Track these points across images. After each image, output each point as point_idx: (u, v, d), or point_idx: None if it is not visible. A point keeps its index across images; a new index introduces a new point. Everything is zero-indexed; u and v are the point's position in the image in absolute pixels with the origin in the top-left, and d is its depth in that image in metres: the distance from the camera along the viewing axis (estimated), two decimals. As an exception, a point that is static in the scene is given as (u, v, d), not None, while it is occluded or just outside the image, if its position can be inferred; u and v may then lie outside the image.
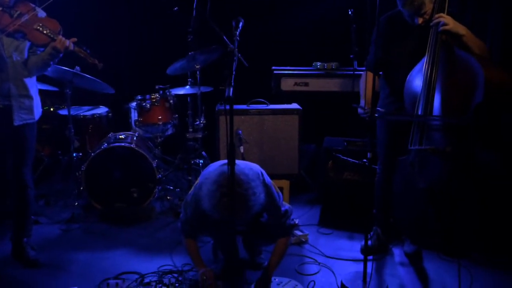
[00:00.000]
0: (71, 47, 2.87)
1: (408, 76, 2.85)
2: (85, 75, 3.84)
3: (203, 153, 4.45)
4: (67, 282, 2.90)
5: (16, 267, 3.09)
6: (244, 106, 4.30)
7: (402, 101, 2.89)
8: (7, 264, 3.12)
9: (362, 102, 3.09)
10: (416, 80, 2.78)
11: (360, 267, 2.89)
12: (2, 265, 3.10)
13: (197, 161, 4.36)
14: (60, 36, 2.83)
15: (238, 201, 2.42)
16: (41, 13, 2.92)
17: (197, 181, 2.78)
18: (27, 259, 3.10)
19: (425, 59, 2.72)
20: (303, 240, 3.46)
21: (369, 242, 3.25)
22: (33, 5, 2.92)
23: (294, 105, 4.31)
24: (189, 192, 2.86)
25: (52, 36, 2.81)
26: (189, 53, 4.05)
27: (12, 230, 3.18)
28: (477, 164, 2.64)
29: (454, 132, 2.67)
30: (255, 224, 2.85)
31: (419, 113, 2.72)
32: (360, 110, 3.04)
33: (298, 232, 3.50)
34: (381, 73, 3.22)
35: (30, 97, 2.99)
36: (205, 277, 2.67)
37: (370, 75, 3.16)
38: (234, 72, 2.33)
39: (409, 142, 2.75)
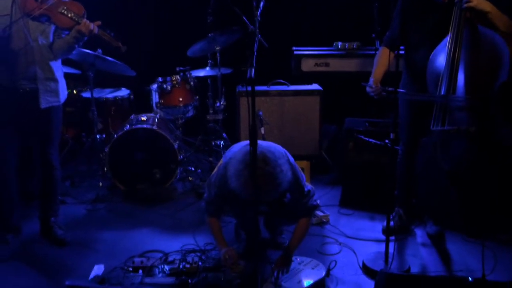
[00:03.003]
0: (96, 30, 2.89)
1: (431, 55, 2.79)
2: (107, 57, 3.87)
3: (224, 134, 4.48)
4: (94, 259, 2.98)
5: (44, 245, 3.19)
6: (264, 87, 4.30)
7: (424, 81, 2.85)
8: (36, 242, 3.22)
9: (371, 81, 3.06)
10: (439, 59, 2.73)
11: (381, 247, 2.90)
12: (32, 244, 3.20)
13: (217, 142, 4.39)
14: (85, 20, 2.85)
15: (267, 179, 2.46)
16: None
17: (221, 162, 2.81)
18: (55, 238, 3.20)
19: (448, 38, 2.67)
20: (324, 220, 3.48)
21: (391, 223, 3.24)
22: None
23: (315, 86, 4.29)
24: (212, 173, 2.89)
25: (76, 19, 2.84)
26: (209, 35, 4.05)
27: (39, 210, 3.27)
28: (501, 143, 2.60)
29: (478, 112, 2.62)
30: (278, 204, 2.88)
31: (442, 93, 2.67)
32: (368, 89, 3.01)
33: (319, 213, 3.52)
34: (402, 52, 3.16)
35: (56, 80, 3.04)
36: (227, 256, 2.72)
37: (385, 52, 3.12)
38: (255, 53, 2.32)
39: (432, 123, 2.72)
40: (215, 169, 2.86)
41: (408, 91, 3.01)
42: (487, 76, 2.61)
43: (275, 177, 2.49)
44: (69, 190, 4.04)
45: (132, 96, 4.52)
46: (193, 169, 4.31)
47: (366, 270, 2.86)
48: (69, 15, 2.82)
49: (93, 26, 2.87)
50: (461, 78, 2.65)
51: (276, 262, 2.77)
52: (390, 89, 2.86)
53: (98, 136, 4.14)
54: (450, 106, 2.66)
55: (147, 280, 2.64)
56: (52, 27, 2.96)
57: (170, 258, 2.93)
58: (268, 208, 3.01)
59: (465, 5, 2.57)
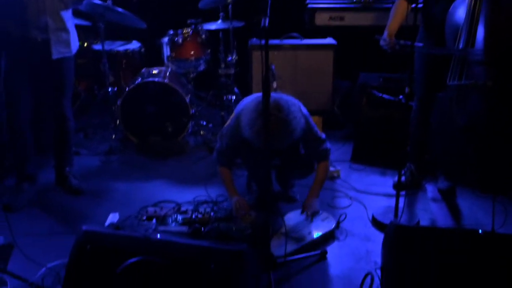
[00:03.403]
0: None
1: (451, 7, 2.71)
2: (117, 9, 3.81)
3: (235, 89, 4.44)
4: (108, 208, 3.05)
5: (60, 194, 3.26)
6: (277, 41, 4.22)
7: (442, 35, 2.77)
8: (52, 191, 3.29)
9: (385, 34, 2.99)
10: (459, 12, 2.65)
11: (391, 202, 2.92)
12: (47, 192, 3.28)
13: (229, 97, 4.37)
14: None
15: (280, 126, 2.49)
16: None
17: (233, 115, 2.81)
18: (70, 187, 3.27)
19: (469, -11, 2.57)
20: (335, 175, 3.50)
21: (402, 178, 3.25)
22: None
23: (329, 40, 4.20)
24: (224, 125, 2.90)
25: None
26: (222, -14, 3.95)
27: (54, 160, 3.33)
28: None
29: (497, 66, 2.56)
30: (291, 155, 2.89)
31: (460, 46, 2.61)
32: (381, 42, 2.95)
33: (330, 168, 3.52)
34: (420, 6, 3.06)
35: (67, 31, 3.01)
36: (238, 205, 2.77)
37: (402, 4, 3.03)
38: (269, 2, 2.27)
39: (448, 78, 2.66)
40: (228, 122, 2.86)
41: (425, 45, 2.94)
42: (508, 30, 2.54)
43: (288, 124, 2.52)
44: (82, 142, 4.09)
45: (143, 49, 4.48)
46: (204, 123, 4.32)
47: (376, 223, 2.90)
48: None
49: None
50: (480, 31, 2.57)
51: (304, 206, 2.83)
52: (403, 42, 2.80)
53: (110, 89, 4.13)
54: (468, 60, 2.60)
55: (161, 228, 2.70)
56: None
57: (183, 208, 2.99)
58: (280, 161, 3.03)
59: (489, -47, 2.46)
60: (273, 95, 2.46)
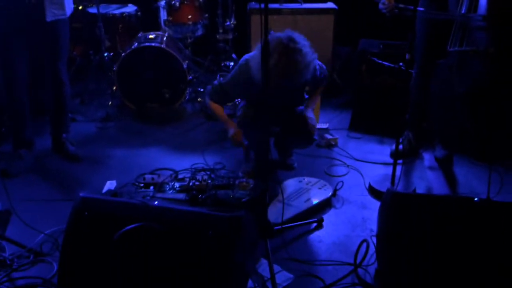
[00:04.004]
0: None
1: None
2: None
3: (233, 55, 4.37)
4: (105, 175, 3.06)
5: (57, 160, 3.26)
6: (276, 5, 4.12)
7: (444, 0, 2.70)
8: (49, 157, 3.29)
9: None
10: (462, -25, 2.58)
11: (388, 170, 2.92)
12: (44, 158, 3.27)
13: (227, 63, 4.30)
14: None
15: (297, 56, 2.50)
16: None
17: (236, 67, 2.83)
18: (67, 153, 3.26)
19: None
20: (333, 143, 3.49)
21: (400, 147, 3.24)
22: None
23: (330, 4, 4.10)
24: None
25: None
26: None
27: (51, 126, 3.30)
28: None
29: (498, 32, 2.52)
30: (292, 120, 2.90)
31: (463, 10, 2.56)
32: (380, 5, 2.89)
33: (328, 136, 3.52)
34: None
35: None
36: (236, 137, 2.85)
37: None
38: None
39: (449, 44, 2.62)
40: (229, 73, 2.89)
41: (427, 10, 2.87)
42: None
43: (304, 55, 2.53)
44: (79, 108, 4.06)
45: (139, 13, 4.39)
46: (202, 90, 4.27)
47: (372, 191, 2.91)
48: None
49: None
50: (483, -4, 2.52)
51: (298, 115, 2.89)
52: (402, 6, 2.74)
53: (106, 54, 4.07)
54: (470, 26, 2.55)
55: (158, 195, 2.71)
56: None
57: (180, 176, 2.98)
58: (280, 128, 3.01)
59: None
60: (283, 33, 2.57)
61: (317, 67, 2.85)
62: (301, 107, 3.00)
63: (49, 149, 3.34)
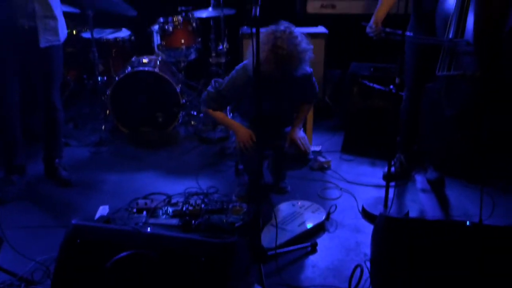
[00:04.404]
0: None
1: (442, -4, 2.70)
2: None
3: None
4: (98, 200, 3.04)
5: (50, 185, 3.24)
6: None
7: (432, 24, 2.76)
8: (41, 183, 3.27)
9: (372, 20, 2.98)
10: (449, 1, 2.65)
11: (381, 192, 2.94)
12: (37, 184, 3.26)
13: (220, 86, 4.34)
14: None
15: (295, 40, 2.58)
16: None
17: (233, 71, 2.86)
18: (59, 179, 3.25)
19: (459, -23, 2.57)
20: (326, 166, 3.50)
21: (392, 169, 3.26)
22: None
23: (320, 29, 4.17)
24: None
25: None
26: (212, -27, 3.90)
27: (43, 151, 3.29)
28: (507, 89, 2.58)
29: (485, 56, 2.57)
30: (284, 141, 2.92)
31: (450, 36, 2.61)
32: (368, 29, 2.94)
33: (320, 159, 3.54)
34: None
35: (54, 18, 2.95)
36: (245, 139, 2.75)
37: None
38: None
39: (437, 68, 2.67)
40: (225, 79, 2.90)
41: (416, 35, 2.93)
42: (497, 19, 2.55)
43: (300, 41, 2.59)
44: (72, 132, 4.05)
45: (133, 37, 4.43)
46: (195, 113, 4.30)
47: (366, 214, 2.92)
48: None
49: None
50: (470, 21, 2.58)
51: (290, 138, 2.87)
52: (389, 30, 2.79)
53: (99, 78, 4.09)
54: (457, 50, 2.61)
55: (151, 221, 2.70)
56: None
57: (174, 201, 2.98)
58: (274, 150, 3.03)
59: None
60: None
61: (313, 78, 2.92)
62: (289, 128, 3.00)
63: (42, 174, 3.33)
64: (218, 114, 2.89)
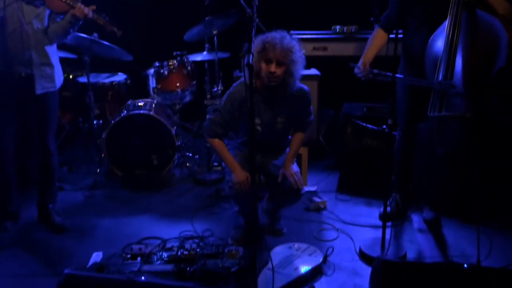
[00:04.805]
0: (90, 15, 2.85)
1: (430, 39, 2.78)
2: (103, 42, 3.83)
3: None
4: (92, 246, 3.00)
5: (43, 232, 3.20)
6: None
7: (422, 66, 2.83)
8: (35, 229, 3.23)
9: (360, 62, 3.03)
10: (438, 43, 2.72)
11: (378, 233, 2.92)
12: (30, 230, 3.22)
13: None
14: (79, 4, 2.81)
15: (289, 41, 2.74)
16: None
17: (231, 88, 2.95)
18: (53, 224, 3.21)
19: (447, 22, 2.64)
20: (322, 206, 3.49)
21: (388, 209, 3.26)
22: None
23: (313, 71, 4.25)
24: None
25: (71, 3, 2.79)
26: (206, 18, 4.00)
27: (37, 196, 3.27)
28: (497, 128, 2.61)
29: (475, 98, 2.62)
30: (274, 178, 2.94)
31: (440, 78, 2.66)
32: (356, 70, 3.00)
33: (316, 199, 3.53)
34: (400, 36, 3.12)
35: (51, 65, 3.01)
36: (240, 181, 2.78)
37: (380, 33, 3.09)
38: (253, 39, 2.32)
39: (429, 109, 2.71)
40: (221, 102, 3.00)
41: (406, 76, 2.99)
42: (485, 61, 2.61)
43: (288, 38, 2.75)
44: (66, 176, 4.04)
45: (129, 81, 4.49)
46: (190, 155, 4.31)
47: (363, 256, 2.89)
48: None
49: (88, 11, 2.84)
50: (459, 63, 2.64)
51: (282, 176, 2.89)
52: (377, 71, 2.85)
53: (95, 122, 4.12)
54: (447, 92, 2.65)
55: (146, 267, 2.65)
56: (47, 11, 2.92)
57: (168, 245, 2.94)
58: (268, 187, 3.04)
59: (465, -11, 2.53)
60: None
61: (311, 105, 3.00)
62: (283, 156, 3.03)
63: (35, 219, 3.29)
64: (220, 146, 2.91)
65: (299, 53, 2.78)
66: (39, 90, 2.96)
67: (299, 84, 2.92)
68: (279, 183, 2.92)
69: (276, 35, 2.75)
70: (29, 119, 3.10)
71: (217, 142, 2.92)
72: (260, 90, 2.85)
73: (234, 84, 2.96)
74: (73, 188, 3.86)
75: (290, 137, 3.10)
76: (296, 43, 2.79)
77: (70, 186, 3.89)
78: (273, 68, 2.71)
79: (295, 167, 2.96)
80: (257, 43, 2.73)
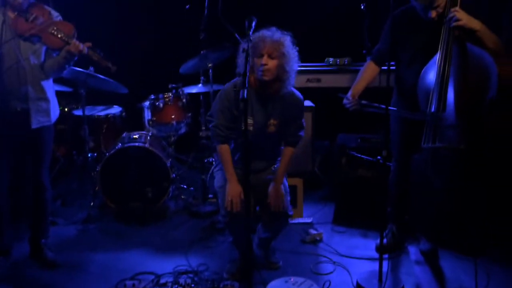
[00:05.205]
0: (85, 51, 2.87)
1: (422, 71, 2.81)
2: (99, 75, 3.86)
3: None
4: (84, 282, 2.95)
5: (34, 268, 3.14)
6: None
7: (415, 98, 2.86)
8: (26, 265, 3.17)
9: (349, 93, 3.06)
10: (429, 76, 2.75)
11: (375, 265, 2.88)
12: (21, 266, 3.15)
13: (210, 159, 4.37)
14: (74, 40, 2.84)
15: (273, 30, 2.78)
16: (56, 16, 2.94)
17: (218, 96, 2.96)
18: (45, 260, 3.15)
19: (438, 55, 2.69)
20: (318, 239, 3.46)
21: (384, 241, 3.22)
22: (48, 8, 2.94)
23: (307, 102, 4.28)
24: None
25: (66, 40, 2.82)
26: (201, 52, 4.05)
27: (30, 231, 3.22)
28: (492, 160, 2.62)
29: (468, 129, 2.63)
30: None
31: (432, 109, 2.68)
32: (345, 101, 3.03)
33: (312, 231, 3.50)
34: (392, 68, 3.17)
35: (47, 100, 3.01)
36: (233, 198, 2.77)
37: (371, 66, 3.14)
38: (247, 73, 2.35)
39: (422, 140, 2.72)
40: (214, 104, 3.02)
41: (399, 108, 3.02)
42: (476, 93, 2.63)
43: (288, 39, 2.80)
44: (60, 210, 3.99)
45: (124, 114, 4.51)
46: (185, 186, 4.29)
47: (360, 289, 2.85)
48: (59, 35, 2.81)
49: (83, 47, 2.86)
50: (450, 95, 2.67)
51: (270, 195, 2.88)
52: (365, 102, 2.88)
53: (89, 155, 4.10)
54: (440, 124, 2.67)
55: (139, 304, 2.60)
56: (44, 47, 2.95)
57: (162, 281, 2.89)
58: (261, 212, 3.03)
59: (454, 23, 2.59)
60: None
61: (303, 114, 2.99)
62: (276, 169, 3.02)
63: (27, 255, 3.23)
64: (226, 154, 2.89)
65: (291, 48, 2.80)
66: (34, 125, 2.96)
67: (295, 90, 2.92)
68: (267, 206, 2.91)
69: (266, 31, 2.78)
70: (24, 153, 3.09)
71: (224, 150, 2.89)
72: (254, 88, 2.85)
73: (226, 85, 2.96)
74: (66, 222, 3.81)
75: (282, 147, 3.06)
76: (288, 37, 2.80)
77: (63, 220, 3.84)
78: (264, 60, 2.72)
79: (284, 188, 2.94)
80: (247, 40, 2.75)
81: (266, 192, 2.93)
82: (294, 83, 2.89)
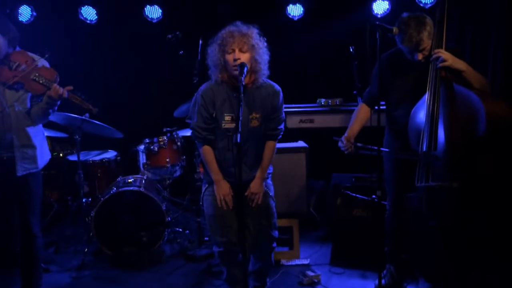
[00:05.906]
0: (65, 94, 2.83)
1: (412, 111, 2.86)
2: (94, 121, 3.90)
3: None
4: (78, 333, 2.87)
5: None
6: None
7: (406, 137, 2.90)
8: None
9: (344, 136, 3.10)
10: (420, 115, 2.80)
11: (375, 308, 2.84)
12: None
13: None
14: (55, 85, 2.81)
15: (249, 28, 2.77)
16: (42, 62, 2.93)
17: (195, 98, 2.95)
18: (37, 310, 3.07)
19: (426, 95, 2.74)
20: (315, 281, 3.41)
21: (383, 281, 3.19)
22: (31, 54, 2.93)
23: (300, 143, 4.32)
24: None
25: (47, 85, 2.80)
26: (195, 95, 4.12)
27: (20, 281, 3.14)
28: (485, 197, 2.62)
29: (460, 167, 2.65)
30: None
31: (424, 148, 2.71)
32: (340, 144, 3.06)
33: (310, 273, 3.46)
34: (383, 107, 3.23)
35: (33, 147, 2.97)
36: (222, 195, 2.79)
37: (363, 108, 3.19)
38: (240, 118, 2.39)
39: (416, 179, 2.74)
40: (192, 102, 2.96)
41: (392, 147, 3.06)
42: (465, 130, 2.66)
43: (254, 32, 2.77)
44: (53, 257, 3.92)
45: (119, 158, 4.52)
46: (181, 230, 4.25)
47: (360, 333, 2.79)
48: (41, 81, 2.79)
49: (63, 91, 2.81)
50: (441, 134, 2.70)
51: (250, 189, 2.87)
52: (360, 145, 2.91)
53: (84, 200, 4.09)
54: (433, 163, 2.70)
55: None
56: (29, 94, 2.93)
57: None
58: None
59: (440, 64, 2.66)
60: None
61: (283, 105, 2.95)
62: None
63: (18, 305, 3.16)
64: (209, 155, 2.88)
65: (259, 39, 2.80)
66: (20, 172, 2.92)
67: (271, 82, 2.92)
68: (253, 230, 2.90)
69: (232, 26, 2.77)
70: (11, 201, 3.03)
71: (206, 151, 2.89)
72: (230, 85, 2.82)
73: (192, 110, 2.95)
74: (60, 269, 3.73)
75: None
76: (255, 29, 2.80)
77: (56, 267, 3.76)
78: (236, 55, 2.70)
79: (266, 185, 2.96)
80: (215, 38, 2.78)
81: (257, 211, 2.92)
82: (268, 73, 2.90)
